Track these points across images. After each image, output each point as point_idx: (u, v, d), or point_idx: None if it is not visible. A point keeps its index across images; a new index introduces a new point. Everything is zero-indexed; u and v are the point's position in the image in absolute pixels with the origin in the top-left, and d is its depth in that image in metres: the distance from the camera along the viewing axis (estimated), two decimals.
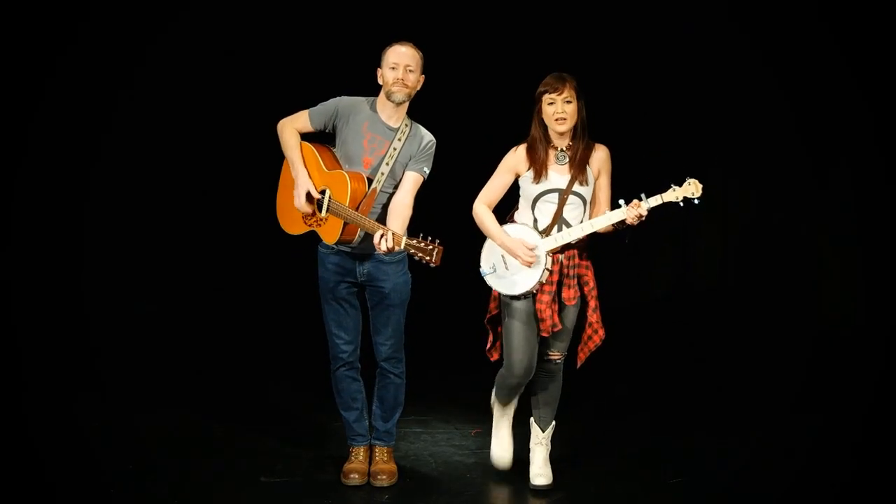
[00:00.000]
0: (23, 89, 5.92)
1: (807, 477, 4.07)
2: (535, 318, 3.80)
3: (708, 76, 6.50)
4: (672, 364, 5.83)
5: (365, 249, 3.81)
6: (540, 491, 3.91)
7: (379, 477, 3.94)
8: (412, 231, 3.64)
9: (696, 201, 3.62)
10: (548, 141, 3.78)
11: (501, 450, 4.07)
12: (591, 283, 3.86)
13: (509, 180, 3.82)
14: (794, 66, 6.27)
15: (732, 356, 5.92)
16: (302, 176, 3.79)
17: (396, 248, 3.50)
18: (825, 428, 4.61)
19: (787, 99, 6.34)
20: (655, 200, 3.63)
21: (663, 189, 3.63)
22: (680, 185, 3.62)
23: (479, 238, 3.89)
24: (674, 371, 5.69)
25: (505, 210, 3.89)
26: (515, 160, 3.80)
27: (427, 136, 3.84)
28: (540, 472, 3.95)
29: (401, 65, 3.73)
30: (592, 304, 3.85)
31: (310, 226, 3.85)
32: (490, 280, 3.86)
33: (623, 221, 3.66)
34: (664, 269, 6.87)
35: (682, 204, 3.63)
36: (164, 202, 6.55)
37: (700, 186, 3.61)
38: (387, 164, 3.77)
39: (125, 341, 5.93)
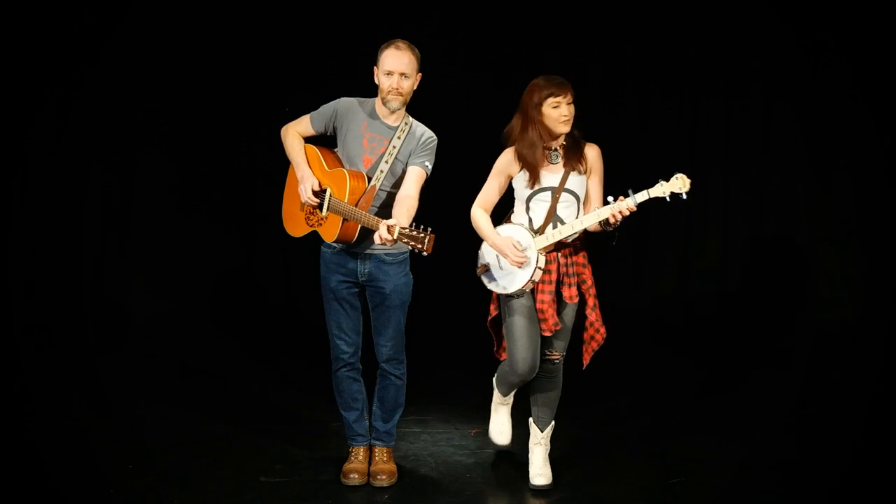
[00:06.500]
0: (22, 89, 5.92)
1: (807, 477, 4.07)
2: (537, 317, 3.81)
3: (709, 77, 6.49)
4: (672, 365, 5.82)
5: (365, 248, 3.81)
6: (540, 491, 3.92)
7: (379, 477, 3.94)
8: None
9: (683, 196, 3.60)
10: (542, 142, 3.79)
11: (500, 430, 4.13)
12: (589, 282, 3.86)
13: (503, 182, 3.86)
14: (794, 66, 6.27)
15: (732, 356, 5.91)
16: (306, 172, 3.81)
17: (393, 237, 3.47)
18: (825, 428, 4.61)
19: (788, 99, 6.34)
20: (642, 196, 3.62)
21: (651, 185, 3.63)
22: (667, 180, 3.62)
23: (480, 239, 3.90)
24: (674, 371, 5.68)
25: (503, 211, 3.90)
26: (507, 162, 3.83)
27: (426, 132, 3.84)
28: (540, 473, 3.95)
29: (395, 73, 3.72)
30: (591, 302, 3.86)
31: (311, 226, 3.86)
32: (485, 280, 3.88)
33: (607, 221, 3.66)
34: (665, 270, 6.86)
35: (669, 199, 3.62)
36: (165, 203, 6.54)
37: (688, 181, 3.59)
38: (386, 161, 3.78)
39: (126, 341, 5.93)
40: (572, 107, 3.75)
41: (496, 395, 4.16)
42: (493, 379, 4.16)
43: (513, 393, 4.13)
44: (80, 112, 6.16)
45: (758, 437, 4.52)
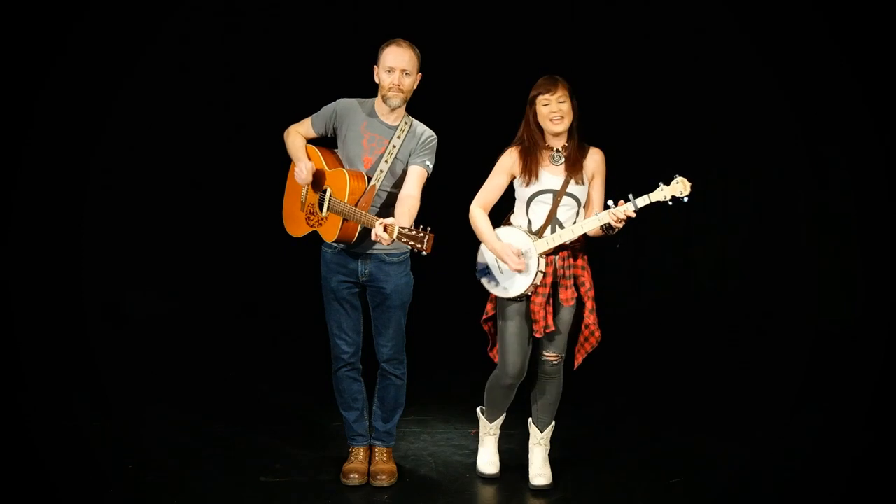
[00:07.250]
0: (22, 89, 5.92)
1: (807, 477, 4.07)
2: (529, 319, 3.80)
3: (709, 77, 6.50)
4: (672, 365, 5.83)
5: (366, 248, 3.81)
6: (540, 491, 3.92)
7: (378, 477, 3.94)
8: None
9: (685, 199, 3.59)
10: (543, 142, 3.79)
11: (488, 461, 4.08)
12: (588, 284, 3.85)
13: (504, 182, 3.84)
14: (793, 66, 6.27)
15: (732, 357, 5.92)
16: (303, 159, 3.81)
17: (391, 236, 3.47)
18: (825, 428, 4.61)
19: (787, 98, 6.35)
20: (643, 200, 3.61)
21: (651, 188, 3.62)
22: (668, 184, 3.61)
23: (479, 239, 3.89)
24: (674, 372, 5.69)
25: (503, 210, 3.90)
26: (510, 161, 3.82)
27: (426, 132, 3.84)
28: (539, 473, 3.95)
29: (396, 69, 3.72)
30: (589, 305, 3.85)
31: (311, 226, 3.86)
32: (485, 282, 3.87)
33: (609, 225, 3.65)
34: (665, 271, 6.87)
35: (671, 203, 3.61)
36: (165, 204, 6.54)
37: (689, 185, 3.58)
38: (385, 161, 3.77)
39: (125, 341, 5.93)
40: (566, 105, 3.72)
41: (483, 423, 4.11)
42: (479, 411, 4.13)
43: (499, 421, 4.09)
44: (80, 111, 6.16)
45: (758, 437, 4.52)
